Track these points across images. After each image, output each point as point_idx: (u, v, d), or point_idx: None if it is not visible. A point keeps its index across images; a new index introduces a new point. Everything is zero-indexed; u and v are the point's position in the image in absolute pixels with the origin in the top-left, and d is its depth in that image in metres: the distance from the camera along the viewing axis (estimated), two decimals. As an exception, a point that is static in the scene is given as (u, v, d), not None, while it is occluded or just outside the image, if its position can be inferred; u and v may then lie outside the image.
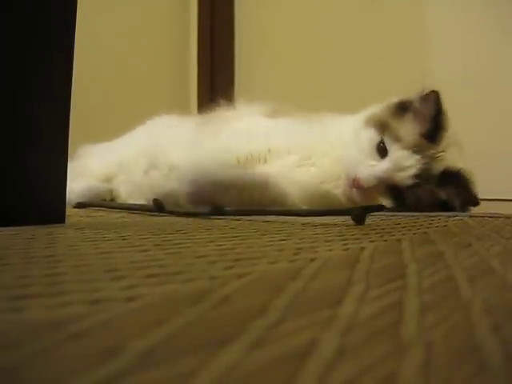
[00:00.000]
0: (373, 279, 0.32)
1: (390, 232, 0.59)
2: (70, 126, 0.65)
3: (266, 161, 1.01)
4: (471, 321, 0.23)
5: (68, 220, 0.65)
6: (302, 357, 0.18)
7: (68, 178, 0.66)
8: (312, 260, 0.38)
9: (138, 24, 2.00)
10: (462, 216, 0.84)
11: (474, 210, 0.96)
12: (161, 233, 0.56)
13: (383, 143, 0.93)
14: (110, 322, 0.22)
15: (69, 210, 0.68)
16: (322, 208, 0.85)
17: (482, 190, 0.99)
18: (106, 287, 0.28)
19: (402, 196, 0.92)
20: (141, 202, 1.01)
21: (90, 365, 0.17)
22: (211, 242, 0.49)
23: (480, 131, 1.60)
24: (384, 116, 0.97)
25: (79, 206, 0.97)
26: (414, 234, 0.59)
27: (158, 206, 0.80)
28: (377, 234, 0.57)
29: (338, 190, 0.96)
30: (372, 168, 0.92)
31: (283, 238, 0.53)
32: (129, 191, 1.15)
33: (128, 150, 1.21)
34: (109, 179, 1.20)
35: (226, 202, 0.82)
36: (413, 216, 0.82)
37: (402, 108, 0.97)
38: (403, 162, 0.91)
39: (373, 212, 0.71)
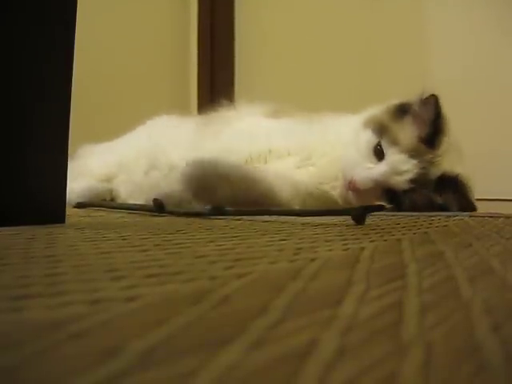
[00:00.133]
0: (373, 279, 0.32)
1: (390, 232, 0.59)
2: (70, 125, 0.65)
3: (266, 161, 1.01)
4: (471, 321, 0.23)
5: (68, 220, 0.65)
6: (301, 357, 0.18)
7: (68, 178, 0.66)
8: (312, 260, 0.38)
9: (138, 24, 2.00)
10: (462, 216, 0.84)
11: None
12: (161, 233, 0.56)
13: (380, 146, 0.93)
14: (110, 322, 0.22)
15: (69, 210, 0.68)
16: (321, 208, 0.85)
17: (482, 190, 0.99)
18: (106, 287, 0.28)
19: (397, 199, 0.92)
20: (141, 202, 1.01)
21: (89, 365, 0.17)
22: (211, 241, 0.49)
23: (480, 131, 1.60)
24: (383, 118, 0.97)
25: (79, 206, 0.97)
26: (414, 233, 0.59)
27: (158, 206, 0.80)
28: (377, 233, 0.57)
29: (336, 190, 0.96)
30: (368, 171, 0.92)
31: (283, 237, 0.53)
32: (129, 191, 1.15)
33: (128, 150, 1.21)
34: (109, 179, 1.20)
35: (218, 195, 0.82)
36: (413, 216, 0.82)
37: (402, 111, 0.96)
38: (400, 166, 0.91)
39: (373, 212, 0.71)
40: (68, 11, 0.64)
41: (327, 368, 0.17)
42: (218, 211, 0.76)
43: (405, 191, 0.91)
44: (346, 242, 0.50)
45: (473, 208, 0.93)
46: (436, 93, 0.93)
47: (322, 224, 0.66)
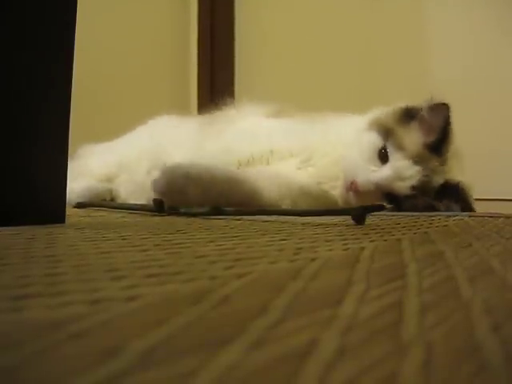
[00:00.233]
0: (373, 279, 0.32)
1: (390, 232, 0.59)
2: (69, 126, 0.65)
3: (268, 162, 1.01)
4: (471, 321, 0.23)
5: (68, 220, 0.65)
6: (302, 357, 0.18)
7: (68, 178, 0.66)
8: (312, 260, 0.38)
9: (138, 24, 2.00)
10: (462, 216, 0.84)
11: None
12: (161, 233, 0.56)
13: (385, 149, 0.92)
14: (110, 322, 0.22)
15: (69, 210, 0.68)
16: (321, 208, 0.85)
17: (482, 190, 0.99)
18: (106, 287, 0.28)
19: (398, 204, 0.91)
20: (142, 201, 1.01)
21: (89, 365, 0.17)
22: (211, 241, 0.49)
23: (480, 131, 1.60)
24: (389, 121, 0.96)
25: (79, 206, 0.97)
26: (415, 233, 0.59)
27: (158, 206, 0.80)
28: (377, 233, 0.57)
29: (335, 190, 0.96)
30: (371, 174, 0.91)
31: (283, 237, 0.53)
32: (130, 191, 1.15)
33: (130, 150, 1.21)
34: (109, 179, 1.20)
35: (190, 197, 0.81)
36: (413, 216, 0.82)
37: (409, 115, 0.95)
38: (404, 172, 0.90)
39: (373, 212, 0.71)
40: (68, 11, 0.64)
41: (327, 368, 0.17)
42: (218, 211, 0.76)
43: (406, 196, 0.91)
44: (346, 241, 0.50)
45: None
46: (447, 102, 0.92)
47: (321, 224, 0.66)
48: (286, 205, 0.91)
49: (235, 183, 0.87)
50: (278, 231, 0.58)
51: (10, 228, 0.56)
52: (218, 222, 0.70)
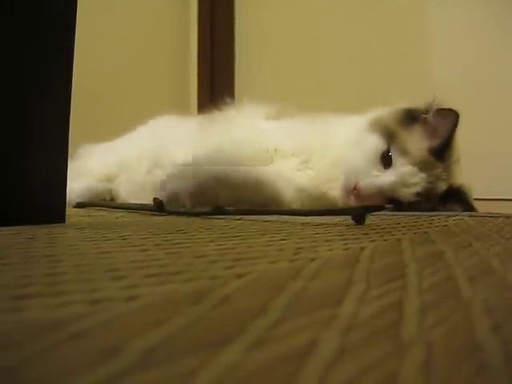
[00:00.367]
0: (373, 279, 0.32)
1: (391, 232, 0.59)
2: (69, 126, 0.65)
3: (272, 161, 1.00)
4: (471, 321, 0.23)
5: (68, 220, 0.65)
6: (301, 357, 0.18)
7: (68, 178, 0.66)
8: (312, 260, 0.38)
9: (138, 24, 2.00)
10: (462, 216, 0.84)
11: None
12: (161, 232, 0.56)
13: (389, 153, 0.90)
14: (110, 322, 0.22)
15: (69, 210, 0.68)
16: (321, 208, 0.85)
17: (482, 190, 0.99)
18: (106, 287, 0.28)
19: (400, 208, 0.90)
20: (142, 201, 1.01)
21: (90, 365, 0.17)
22: (211, 241, 0.49)
23: (480, 131, 1.60)
24: (390, 123, 0.94)
25: (79, 205, 0.97)
26: (415, 233, 0.59)
27: (158, 206, 0.80)
28: (377, 233, 0.57)
29: (334, 191, 0.95)
30: (375, 179, 0.89)
31: (283, 237, 0.53)
32: (130, 191, 1.15)
33: (130, 150, 1.21)
34: (109, 179, 1.20)
35: (220, 199, 0.81)
36: (413, 216, 0.82)
37: (411, 117, 0.94)
38: (409, 179, 0.89)
39: (373, 212, 0.71)
40: (68, 11, 0.64)
41: (327, 368, 0.17)
42: (218, 211, 0.76)
43: (410, 202, 0.90)
44: (346, 241, 0.50)
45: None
46: (455, 109, 0.92)
47: (322, 224, 0.66)
48: (296, 206, 0.91)
49: (261, 186, 0.88)
50: (278, 231, 0.58)
51: (9, 228, 0.56)
52: (218, 221, 0.70)
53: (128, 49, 1.93)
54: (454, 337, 0.21)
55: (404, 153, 0.90)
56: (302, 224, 0.67)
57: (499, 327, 0.22)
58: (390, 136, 0.92)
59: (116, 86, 1.88)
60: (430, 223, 0.71)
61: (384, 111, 0.98)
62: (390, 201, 0.90)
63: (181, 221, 0.71)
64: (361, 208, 0.69)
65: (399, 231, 0.60)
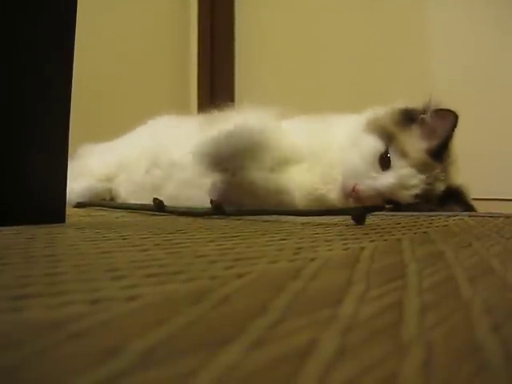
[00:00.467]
0: (373, 279, 0.32)
1: (391, 232, 0.59)
2: (69, 126, 0.65)
3: (287, 162, 0.98)
4: (471, 321, 0.23)
5: (68, 220, 0.65)
6: (301, 357, 0.18)
7: (68, 178, 0.66)
8: (312, 260, 0.38)
9: (138, 24, 2.00)
10: (462, 216, 0.84)
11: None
12: (161, 232, 0.56)
13: (387, 155, 0.90)
14: (110, 322, 0.22)
15: (69, 210, 0.68)
16: (321, 208, 0.85)
17: (482, 190, 0.99)
18: (106, 287, 0.28)
19: (399, 209, 0.89)
20: (142, 201, 1.01)
21: (90, 365, 0.17)
22: (211, 241, 0.49)
23: (480, 131, 1.60)
24: (388, 123, 0.94)
25: (79, 205, 0.97)
26: (415, 233, 0.59)
27: (158, 206, 0.80)
28: (377, 233, 0.57)
29: (332, 193, 0.93)
30: (374, 181, 0.89)
31: (283, 237, 0.53)
32: (129, 191, 1.15)
33: (130, 150, 1.21)
34: (109, 179, 1.20)
35: (244, 203, 0.83)
36: (413, 216, 0.82)
37: (408, 117, 0.94)
38: (408, 181, 0.89)
39: (373, 212, 0.71)
40: (68, 11, 0.64)
41: (327, 368, 0.17)
42: (217, 211, 0.76)
43: (408, 204, 0.90)
44: (346, 241, 0.50)
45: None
46: (454, 109, 0.91)
47: (321, 224, 0.66)
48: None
49: (280, 195, 0.91)
50: (278, 231, 0.58)
51: (9, 228, 0.56)
52: (218, 221, 0.70)
53: (128, 49, 1.93)
54: (454, 337, 0.21)
55: (403, 154, 0.90)
56: (302, 224, 0.67)
57: (499, 327, 0.22)
58: (387, 137, 0.91)
59: (116, 86, 1.88)
60: (430, 223, 0.71)
61: (381, 111, 0.97)
62: (389, 202, 0.90)
63: (181, 221, 0.71)
64: (361, 208, 0.69)
65: (399, 231, 0.60)
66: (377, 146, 0.91)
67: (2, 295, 0.26)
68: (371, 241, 0.51)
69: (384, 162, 0.90)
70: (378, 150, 0.91)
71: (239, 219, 0.73)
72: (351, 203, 0.89)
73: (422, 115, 0.94)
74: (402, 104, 0.97)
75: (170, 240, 0.48)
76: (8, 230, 0.54)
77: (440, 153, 0.92)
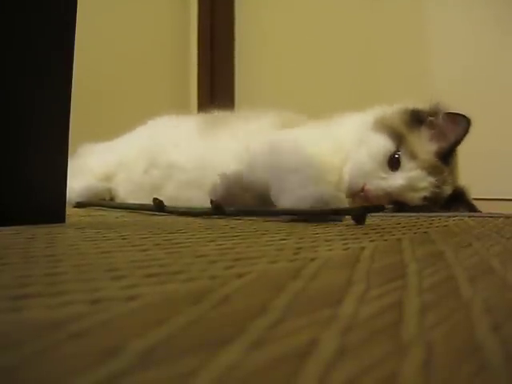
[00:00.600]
0: (373, 279, 0.32)
1: (391, 232, 0.59)
2: (69, 125, 0.65)
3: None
4: (471, 321, 0.23)
5: (68, 219, 0.65)
6: (301, 357, 0.18)
7: (68, 178, 0.66)
8: (312, 260, 0.38)
9: (138, 24, 2.00)
10: (462, 216, 0.84)
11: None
12: (161, 232, 0.56)
13: (397, 155, 0.89)
14: (110, 322, 0.22)
15: (69, 210, 0.68)
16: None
17: (482, 190, 0.99)
18: (106, 287, 0.28)
19: (402, 210, 0.89)
20: (140, 201, 1.01)
21: (90, 364, 0.17)
22: (211, 241, 0.49)
23: (480, 131, 1.59)
24: (396, 123, 0.93)
25: (79, 205, 0.97)
26: (415, 233, 0.59)
27: (158, 206, 0.80)
28: (377, 233, 0.57)
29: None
30: (383, 181, 0.88)
31: (283, 237, 0.53)
32: (128, 190, 1.15)
33: (129, 150, 1.21)
34: (108, 178, 1.20)
35: (252, 203, 0.82)
36: (413, 216, 0.82)
37: (416, 118, 0.93)
38: (418, 183, 0.88)
39: (373, 212, 0.71)
40: (68, 11, 0.64)
41: (327, 368, 0.17)
42: (218, 211, 0.76)
43: (416, 205, 0.89)
44: (346, 241, 0.50)
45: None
46: (467, 115, 0.91)
47: (322, 224, 0.66)
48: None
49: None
50: (278, 231, 0.58)
51: (9, 228, 0.56)
52: (218, 221, 0.70)
53: (128, 49, 1.93)
54: (454, 337, 0.21)
55: (413, 156, 0.89)
56: (302, 224, 0.67)
57: (499, 327, 0.22)
58: (397, 137, 0.90)
59: (116, 86, 1.88)
60: (430, 223, 0.71)
61: (389, 110, 0.96)
62: (395, 203, 0.89)
63: (181, 221, 0.71)
64: (361, 208, 0.69)
65: (399, 231, 0.60)
66: (387, 146, 0.90)
67: (1, 295, 0.26)
68: (371, 241, 0.51)
69: (393, 163, 0.89)
70: (388, 149, 0.89)
71: (239, 219, 0.73)
72: (357, 202, 0.88)
73: (430, 117, 0.93)
74: (410, 104, 0.96)
75: (170, 240, 0.48)
76: (8, 230, 0.54)
77: (448, 156, 0.91)
